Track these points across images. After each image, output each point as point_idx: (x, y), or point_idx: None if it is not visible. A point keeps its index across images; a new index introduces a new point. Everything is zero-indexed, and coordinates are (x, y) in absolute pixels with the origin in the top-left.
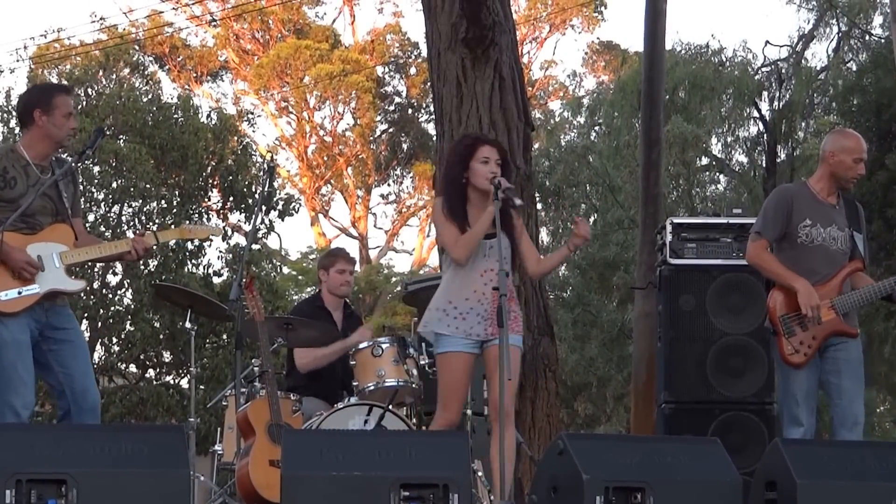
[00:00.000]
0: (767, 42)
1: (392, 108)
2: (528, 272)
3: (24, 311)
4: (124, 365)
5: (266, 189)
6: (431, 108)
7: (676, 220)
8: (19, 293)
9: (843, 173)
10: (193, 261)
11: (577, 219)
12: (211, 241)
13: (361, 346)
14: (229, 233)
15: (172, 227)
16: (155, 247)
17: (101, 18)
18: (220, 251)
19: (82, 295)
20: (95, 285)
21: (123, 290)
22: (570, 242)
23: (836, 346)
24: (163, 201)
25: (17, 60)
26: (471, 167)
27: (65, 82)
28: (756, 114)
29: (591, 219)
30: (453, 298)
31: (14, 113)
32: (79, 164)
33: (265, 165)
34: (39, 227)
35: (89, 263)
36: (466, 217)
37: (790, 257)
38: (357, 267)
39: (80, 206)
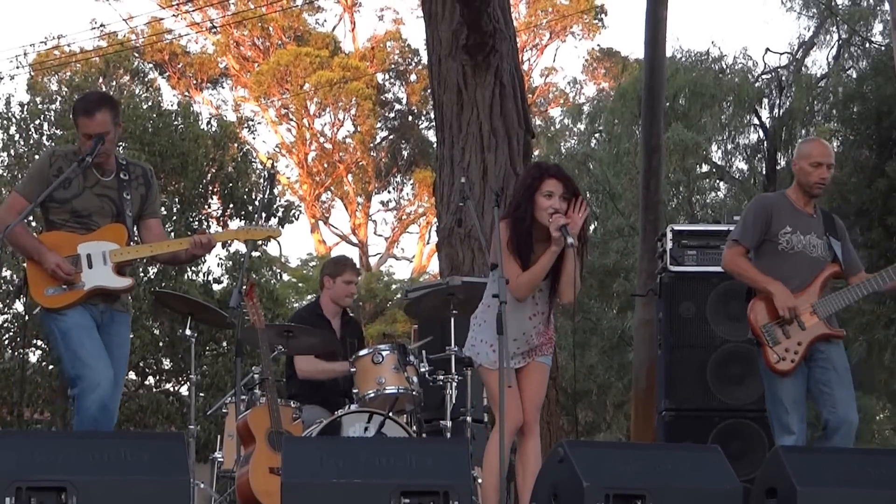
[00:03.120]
0: (768, 49)
1: (392, 115)
2: (561, 300)
3: (77, 307)
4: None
5: (266, 196)
6: (432, 115)
7: (677, 228)
8: (64, 289)
9: (804, 179)
10: (193, 268)
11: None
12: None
13: (362, 353)
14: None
15: (172, 235)
16: (213, 245)
17: (101, 25)
18: (220, 258)
19: None
20: None
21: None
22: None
23: (822, 352)
24: (162, 208)
25: (17, 67)
26: (535, 200)
27: (65, 90)
28: (756, 121)
29: (592, 226)
30: (517, 336)
31: (14, 119)
32: (77, 172)
33: (265, 172)
34: (95, 228)
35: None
36: (530, 251)
37: (771, 264)
38: (361, 273)
39: (155, 206)
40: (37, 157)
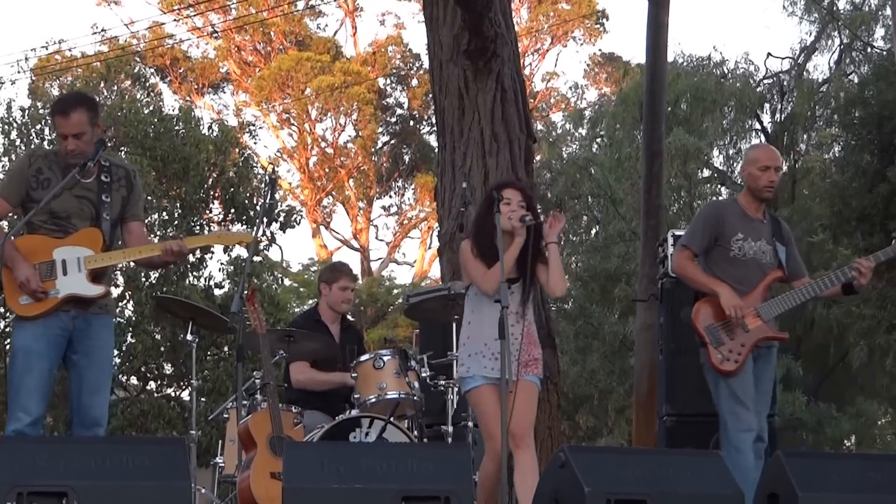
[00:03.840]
0: (769, 54)
1: (394, 119)
2: (554, 294)
3: (46, 316)
4: (125, 377)
5: (267, 201)
6: (433, 120)
7: (678, 233)
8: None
9: (754, 184)
10: (195, 273)
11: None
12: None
13: (363, 358)
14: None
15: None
16: (187, 253)
17: (102, 30)
18: (222, 263)
19: None
20: None
21: (125, 301)
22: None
23: (759, 357)
24: (164, 213)
25: (19, 72)
26: (497, 209)
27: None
28: (758, 126)
29: (593, 231)
30: (488, 341)
31: (15, 124)
32: (79, 178)
33: (266, 178)
34: (73, 230)
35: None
36: (495, 257)
37: (723, 270)
38: (358, 279)
39: (137, 208)
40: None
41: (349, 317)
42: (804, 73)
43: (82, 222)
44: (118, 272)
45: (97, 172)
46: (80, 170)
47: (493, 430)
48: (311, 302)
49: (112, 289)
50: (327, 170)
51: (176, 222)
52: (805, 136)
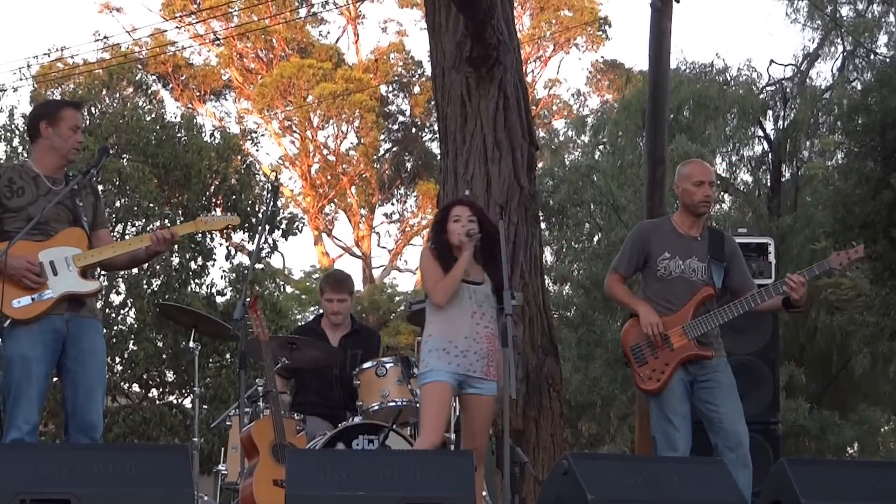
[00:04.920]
0: (772, 61)
1: (396, 127)
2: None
3: (40, 319)
4: (127, 384)
5: (269, 208)
6: (435, 127)
7: None
8: (32, 300)
9: (688, 200)
10: (197, 280)
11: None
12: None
13: (365, 366)
14: (233, 252)
15: (176, 247)
16: (175, 241)
17: (104, 37)
18: (224, 270)
19: None
20: (98, 304)
21: (126, 309)
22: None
23: (706, 373)
24: (166, 220)
25: (21, 79)
26: (448, 229)
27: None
28: (761, 133)
29: (596, 238)
30: (453, 338)
31: (18, 132)
32: (84, 184)
33: (268, 185)
34: (54, 233)
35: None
36: (451, 260)
37: (654, 290)
38: (360, 286)
39: (104, 216)
40: None
41: (362, 323)
42: (807, 80)
43: (61, 226)
44: (120, 279)
45: (64, 180)
46: (83, 177)
47: (429, 423)
48: (312, 309)
49: (113, 296)
50: (329, 177)
51: None
52: (808, 143)
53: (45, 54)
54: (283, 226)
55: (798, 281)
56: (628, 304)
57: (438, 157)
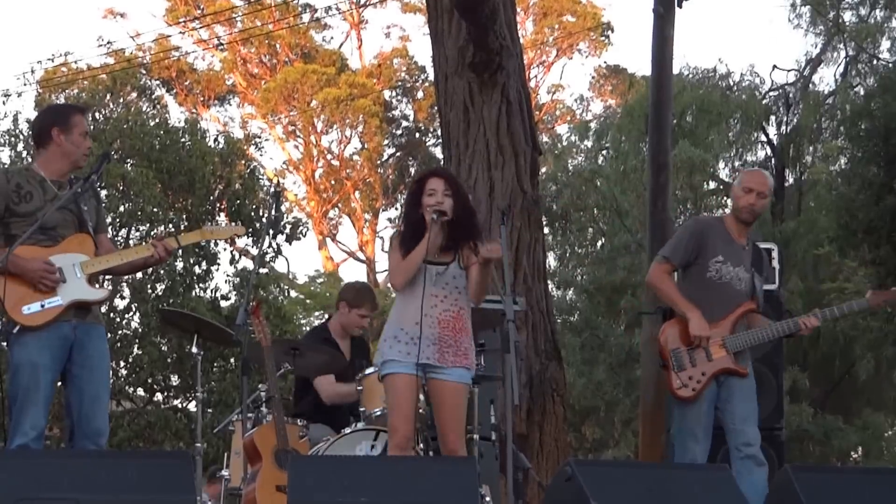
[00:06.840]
0: (775, 66)
1: (399, 132)
2: (473, 300)
3: (49, 326)
4: (132, 389)
5: (273, 213)
6: (439, 132)
7: None
8: (42, 306)
9: (735, 204)
10: (201, 284)
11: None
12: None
13: (368, 371)
14: (237, 257)
15: (180, 252)
16: (179, 250)
17: (108, 42)
18: (228, 275)
19: None
20: (103, 309)
21: (131, 313)
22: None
23: (730, 381)
24: (170, 225)
25: (25, 84)
26: (421, 202)
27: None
28: (764, 138)
29: (599, 243)
30: (404, 325)
31: (22, 137)
32: (86, 189)
33: (272, 190)
34: (61, 240)
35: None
36: (415, 244)
37: (697, 290)
38: (379, 307)
39: (105, 221)
40: None
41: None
42: (810, 85)
43: (68, 231)
44: (124, 283)
45: (69, 184)
46: (84, 182)
47: (395, 422)
48: (317, 314)
49: (118, 300)
50: (333, 182)
51: (182, 234)
52: (811, 149)
53: (49, 59)
54: (287, 230)
55: (812, 324)
56: (677, 304)
57: (442, 162)
